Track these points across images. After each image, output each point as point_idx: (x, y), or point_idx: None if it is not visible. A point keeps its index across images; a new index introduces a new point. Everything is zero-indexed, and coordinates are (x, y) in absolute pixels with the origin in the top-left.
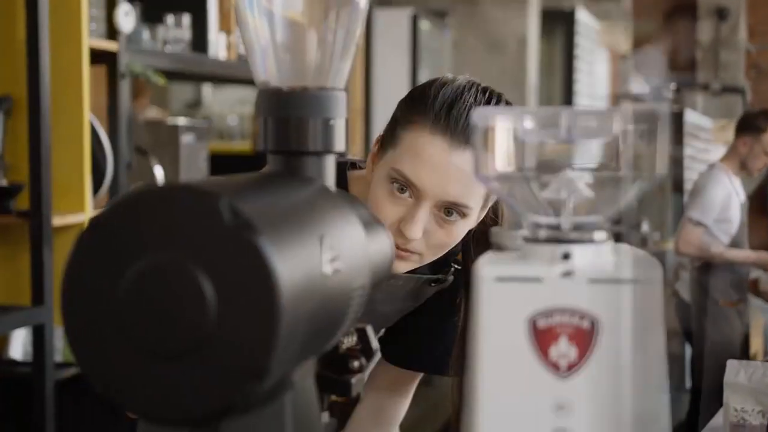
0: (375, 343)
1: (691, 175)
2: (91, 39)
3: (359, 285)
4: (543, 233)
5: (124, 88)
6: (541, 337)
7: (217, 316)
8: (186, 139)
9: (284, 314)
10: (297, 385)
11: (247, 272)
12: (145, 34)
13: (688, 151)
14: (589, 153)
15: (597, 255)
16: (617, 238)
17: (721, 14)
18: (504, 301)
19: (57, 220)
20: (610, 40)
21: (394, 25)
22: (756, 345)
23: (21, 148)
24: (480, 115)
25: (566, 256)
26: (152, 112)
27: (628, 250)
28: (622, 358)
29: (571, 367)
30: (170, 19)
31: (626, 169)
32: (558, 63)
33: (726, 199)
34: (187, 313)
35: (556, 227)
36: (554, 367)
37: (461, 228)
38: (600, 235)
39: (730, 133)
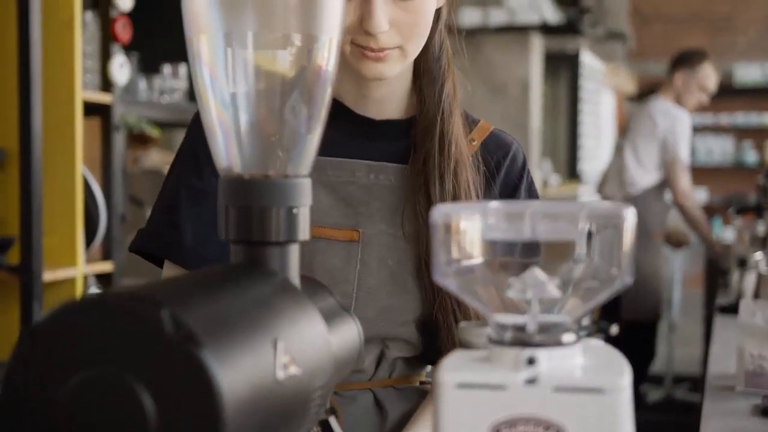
0: None
1: (585, 118)
2: (85, 91)
3: (319, 385)
4: (508, 335)
5: (118, 140)
6: None
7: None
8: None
9: (228, 429)
10: None
11: (189, 386)
12: (142, 84)
13: (582, 93)
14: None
15: (564, 359)
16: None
17: None
18: (466, 408)
19: (48, 275)
20: (616, 80)
21: None
22: None
23: (12, 202)
24: (440, 211)
25: (531, 361)
26: (155, 157)
27: (599, 349)
28: None
29: None
30: (167, 69)
31: (592, 270)
32: (563, 105)
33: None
34: (127, 428)
35: (522, 328)
36: None
37: (426, 2)
38: (568, 337)
39: (620, 77)
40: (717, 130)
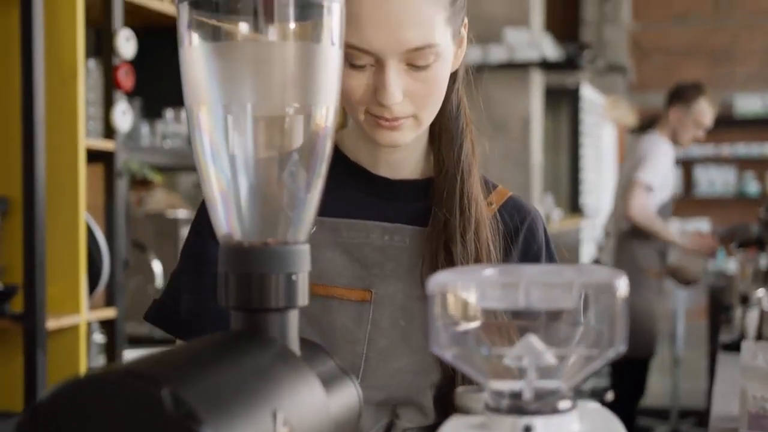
0: None
1: (586, 152)
2: (88, 139)
3: None
4: (505, 402)
5: (121, 186)
6: None
7: None
8: (186, 232)
9: None
10: None
11: None
12: (144, 130)
13: (583, 126)
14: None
15: (561, 427)
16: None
17: None
18: None
19: (51, 323)
20: (616, 113)
21: None
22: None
23: (16, 250)
24: (436, 281)
25: (528, 430)
26: (160, 197)
27: (596, 413)
28: None
29: None
30: (169, 113)
31: (587, 338)
32: (564, 139)
33: (668, 165)
34: None
35: (518, 395)
36: None
37: (440, 70)
38: (564, 404)
39: (621, 110)
40: (719, 160)
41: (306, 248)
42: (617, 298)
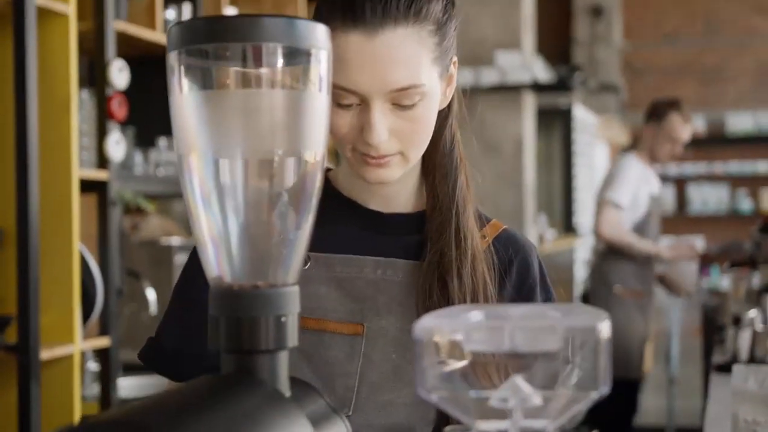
0: None
1: (579, 171)
2: (82, 169)
3: None
4: None
5: (115, 215)
6: None
7: None
8: (180, 259)
9: None
10: None
11: None
12: (138, 158)
13: (575, 146)
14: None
15: None
16: None
17: (596, 12)
18: None
19: (45, 353)
20: (609, 133)
21: None
22: (648, 355)
23: (10, 281)
24: (422, 326)
25: None
26: (155, 223)
27: None
28: None
29: None
30: (162, 141)
31: (572, 379)
32: (557, 159)
33: (638, 184)
34: None
35: None
36: None
37: (426, 109)
38: None
39: (613, 130)
40: (712, 178)
41: (295, 290)
42: (600, 340)
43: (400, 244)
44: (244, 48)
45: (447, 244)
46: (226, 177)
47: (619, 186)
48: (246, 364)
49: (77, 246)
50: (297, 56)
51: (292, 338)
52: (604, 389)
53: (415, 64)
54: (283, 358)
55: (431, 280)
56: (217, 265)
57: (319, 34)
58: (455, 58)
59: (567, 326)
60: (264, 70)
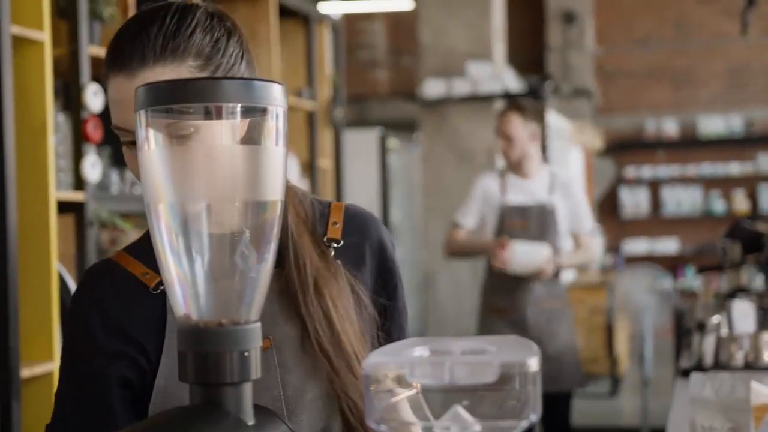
0: None
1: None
2: (58, 191)
3: None
4: None
5: (92, 235)
6: None
7: None
8: None
9: None
10: None
11: None
12: (114, 177)
13: (549, 152)
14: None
15: None
16: None
17: (568, 18)
18: None
19: (25, 372)
20: (583, 138)
21: (363, 144)
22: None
23: None
24: (370, 363)
25: None
26: (132, 237)
27: None
28: None
29: None
30: None
31: (506, 410)
32: None
33: (479, 196)
34: None
35: None
36: None
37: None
38: None
39: (587, 134)
40: (685, 180)
41: (257, 326)
42: (529, 373)
43: None
44: (206, 107)
45: (289, 272)
46: (191, 223)
47: (462, 206)
48: (212, 396)
49: (55, 266)
50: (254, 113)
51: (255, 370)
52: (533, 417)
53: None
54: (246, 390)
55: (287, 306)
56: (184, 304)
57: (275, 93)
58: None
59: (501, 361)
60: (224, 127)
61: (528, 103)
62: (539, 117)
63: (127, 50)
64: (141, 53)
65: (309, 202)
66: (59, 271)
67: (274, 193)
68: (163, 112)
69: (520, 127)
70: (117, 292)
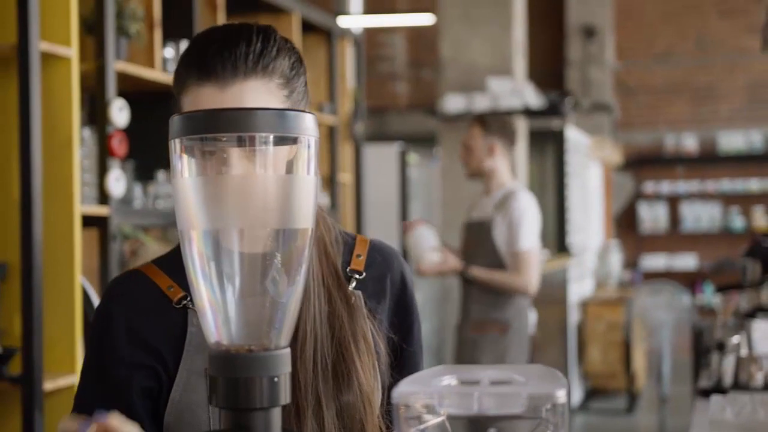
0: None
1: (572, 192)
2: (83, 205)
3: None
4: None
5: (115, 249)
6: None
7: None
8: None
9: None
10: None
11: None
12: (138, 191)
13: (568, 167)
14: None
15: None
16: None
17: (588, 33)
18: None
19: (48, 384)
20: (602, 153)
21: (383, 159)
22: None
23: (14, 313)
24: (399, 393)
25: None
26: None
27: None
28: None
29: None
30: (161, 175)
31: None
32: (550, 180)
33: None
34: None
35: None
36: None
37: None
38: None
39: (606, 149)
40: (704, 197)
41: (287, 352)
42: (558, 405)
43: None
44: (239, 137)
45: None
46: (223, 250)
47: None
48: (242, 421)
49: (79, 279)
50: (287, 143)
51: (285, 396)
52: None
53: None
54: (276, 415)
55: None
56: (215, 330)
57: (307, 123)
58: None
59: (530, 393)
60: (257, 157)
61: (497, 120)
62: (559, 131)
63: (216, 62)
64: (233, 66)
65: (336, 232)
66: (83, 284)
67: (305, 221)
68: (198, 141)
69: (479, 138)
70: (141, 303)
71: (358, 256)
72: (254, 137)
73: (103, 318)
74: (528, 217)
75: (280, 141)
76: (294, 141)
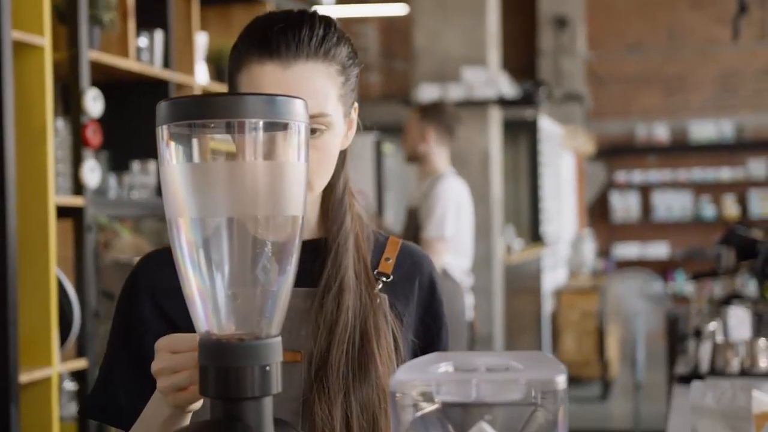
0: None
1: (546, 181)
2: (57, 196)
3: None
4: None
5: (90, 239)
6: None
7: None
8: None
9: None
10: None
11: None
12: (112, 182)
13: (541, 157)
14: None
15: None
16: None
17: (560, 23)
18: None
19: (24, 377)
20: (574, 142)
21: (358, 149)
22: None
23: None
24: (396, 380)
25: None
26: (126, 240)
27: None
28: None
29: None
30: (136, 165)
31: (531, 426)
32: (523, 170)
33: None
34: None
35: None
36: None
37: (331, 140)
38: None
39: (578, 139)
40: (675, 186)
41: (278, 341)
42: (557, 391)
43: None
44: (228, 123)
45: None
46: (212, 238)
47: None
48: (233, 411)
49: (54, 271)
50: (276, 129)
51: (276, 385)
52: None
53: (323, 95)
54: (267, 404)
55: (329, 311)
56: (205, 321)
57: (297, 108)
58: (356, 105)
59: (528, 379)
60: (246, 143)
61: (435, 108)
62: (532, 121)
63: (281, 41)
64: (296, 47)
65: (369, 232)
66: (58, 275)
67: (295, 208)
68: (186, 127)
69: (414, 124)
70: (166, 280)
71: (387, 259)
72: (243, 123)
73: (129, 292)
74: (441, 205)
75: (270, 127)
76: (284, 127)
